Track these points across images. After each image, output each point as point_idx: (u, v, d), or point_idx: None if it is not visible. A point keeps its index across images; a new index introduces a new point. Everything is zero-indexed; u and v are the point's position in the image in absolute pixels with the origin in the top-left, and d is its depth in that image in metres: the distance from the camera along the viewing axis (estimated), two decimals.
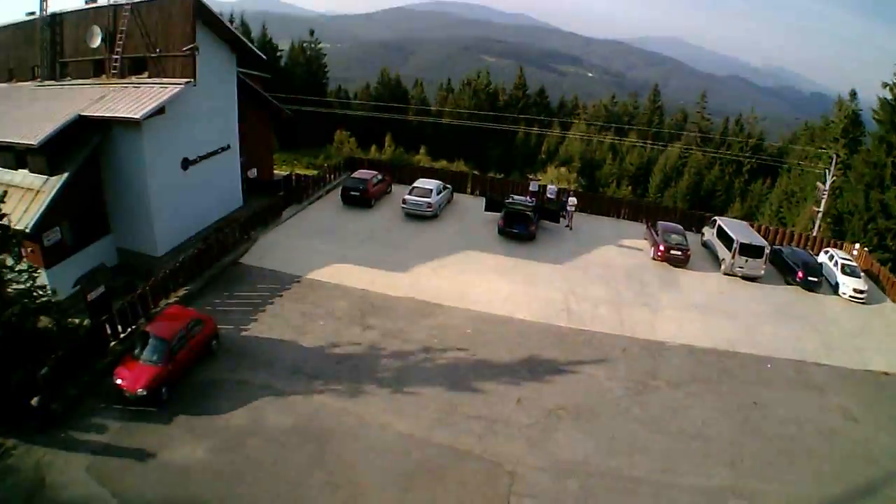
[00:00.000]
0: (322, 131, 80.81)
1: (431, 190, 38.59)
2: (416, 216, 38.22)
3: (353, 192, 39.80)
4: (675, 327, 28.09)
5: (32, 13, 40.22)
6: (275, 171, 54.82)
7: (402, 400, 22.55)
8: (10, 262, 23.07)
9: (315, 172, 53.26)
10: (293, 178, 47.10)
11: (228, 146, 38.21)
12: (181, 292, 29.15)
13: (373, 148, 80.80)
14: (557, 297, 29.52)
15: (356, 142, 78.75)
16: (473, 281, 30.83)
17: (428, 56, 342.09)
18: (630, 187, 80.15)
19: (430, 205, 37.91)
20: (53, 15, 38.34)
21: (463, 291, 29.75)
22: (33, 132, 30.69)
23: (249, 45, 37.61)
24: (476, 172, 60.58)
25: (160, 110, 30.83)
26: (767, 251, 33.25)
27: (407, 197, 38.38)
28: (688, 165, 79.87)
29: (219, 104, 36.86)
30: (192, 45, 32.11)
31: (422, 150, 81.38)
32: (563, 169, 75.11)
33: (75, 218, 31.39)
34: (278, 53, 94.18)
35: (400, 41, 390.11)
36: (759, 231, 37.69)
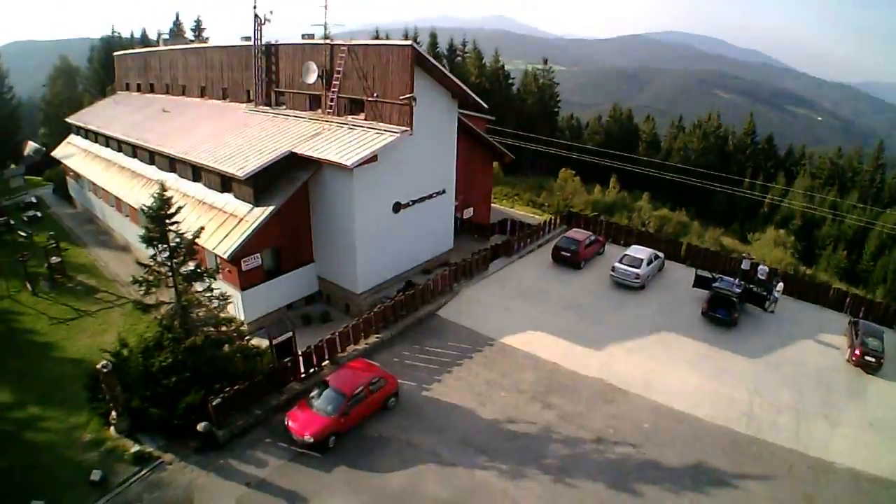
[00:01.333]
0: (549, 161, 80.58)
1: (642, 260, 37.46)
2: (623, 285, 37.37)
3: (564, 253, 39.92)
4: (848, 447, 24.90)
5: (248, 38, 42.75)
6: (493, 205, 55.08)
7: (560, 492, 22.18)
8: (200, 287, 25.63)
9: (533, 213, 53.12)
10: (508, 224, 47.70)
11: (443, 191, 38.84)
12: (372, 339, 30.27)
13: (597, 188, 79.44)
14: (742, 398, 27.36)
15: (580, 181, 77.59)
16: (663, 368, 29.44)
17: (662, 87, 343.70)
18: (845, 252, 72.45)
19: (638, 276, 36.88)
20: (269, 45, 40.72)
21: (650, 379, 28.59)
22: (241, 163, 32.85)
23: (470, 93, 37.56)
24: (693, 234, 58.18)
25: (372, 157, 31.46)
26: None
27: (617, 265, 37.61)
28: None
29: (437, 150, 37.10)
30: (409, 96, 32.06)
31: (644, 197, 78.66)
32: (781, 232, 69.40)
33: (278, 246, 33.55)
34: (510, 80, 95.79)
35: (636, 69, 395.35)
36: None
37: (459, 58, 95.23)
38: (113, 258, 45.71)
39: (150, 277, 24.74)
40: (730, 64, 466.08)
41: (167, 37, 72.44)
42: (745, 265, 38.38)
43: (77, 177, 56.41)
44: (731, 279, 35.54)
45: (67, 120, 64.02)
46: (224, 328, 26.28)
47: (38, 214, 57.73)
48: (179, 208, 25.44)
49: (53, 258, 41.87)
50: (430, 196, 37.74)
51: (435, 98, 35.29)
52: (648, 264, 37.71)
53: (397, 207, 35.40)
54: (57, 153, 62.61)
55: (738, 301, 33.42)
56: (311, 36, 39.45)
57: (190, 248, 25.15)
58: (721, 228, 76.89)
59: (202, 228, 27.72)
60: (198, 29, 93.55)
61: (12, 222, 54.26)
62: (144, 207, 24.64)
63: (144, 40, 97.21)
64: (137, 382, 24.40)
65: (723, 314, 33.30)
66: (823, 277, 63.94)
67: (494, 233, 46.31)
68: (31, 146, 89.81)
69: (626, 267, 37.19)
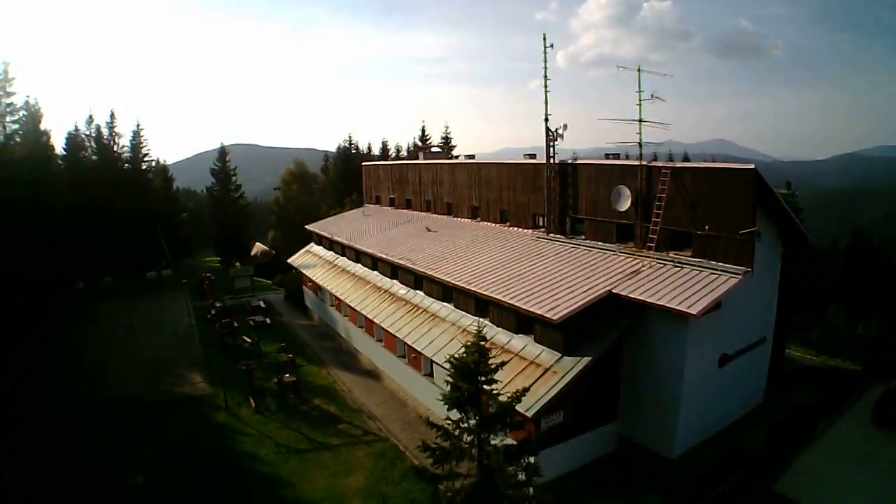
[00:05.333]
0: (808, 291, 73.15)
1: None
2: None
3: (892, 410, 33.14)
4: None
5: (533, 155, 39.26)
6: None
7: None
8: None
9: (808, 356, 46.93)
10: (807, 372, 41.39)
11: (764, 339, 33.67)
12: None
13: (860, 327, 70.46)
14: None
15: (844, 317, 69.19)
16: None
17: (880, 206, 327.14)
18: None
19: None
20: (564, 164, 36.68)
21: None
22: (549, 303, 28.61)
23: (799, 224, 31.89)
24: None
25: (714, 305, 26.69)
26: None
27: None
28: None
29: (763, 292, 32.43)
30: (751, 230, 27.26)
31: None
32: None
33: (581, 401, 28.74)
34: None
35: (855, 189, 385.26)
36: None
37: None
38: (357, 384, 41.68)
39: (448, 445, 19.51)
40: None
41: (435, 148, 71.19)
42: None
43: (317, 289, 54.59)
44: None
45: (309, 228, 63.87)
46: None
47: (267, 321, 55.85)
48: (503, 364, 20.44)
49: (286, 375, 39.01)
50: (753, 346, 32.47)
51: (765, 232, 30.14)
52: None
53: (724, 360, 30.24)
54: (295, 261, 62.19)
55: None
56: (617, 156, 35.80)
57: (510, 416, 19.92)
58: None
59: (524, 391, 21.64)
60: (446, 145, 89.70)
61: (236, 325, 52.35)
62: (453, 360, 19.93)
63: (384, 153, 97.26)
64: None
65: None
66: None
67: (793, 381, 39.46)
68: (258, 247, 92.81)
69: None
